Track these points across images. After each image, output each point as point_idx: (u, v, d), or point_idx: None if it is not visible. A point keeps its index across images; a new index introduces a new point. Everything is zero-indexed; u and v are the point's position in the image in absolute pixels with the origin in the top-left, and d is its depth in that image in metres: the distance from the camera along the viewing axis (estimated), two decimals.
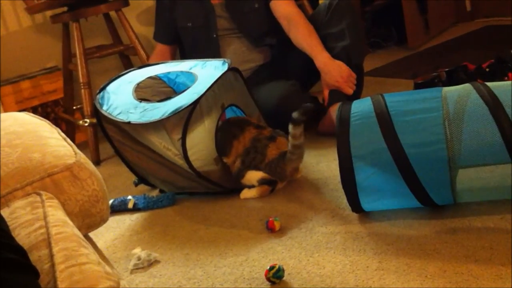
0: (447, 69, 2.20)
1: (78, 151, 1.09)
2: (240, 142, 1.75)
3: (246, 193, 1.77)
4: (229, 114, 1.89)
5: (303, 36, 2.14)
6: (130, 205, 1.85)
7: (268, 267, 1.31)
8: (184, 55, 2.40)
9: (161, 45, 2.41)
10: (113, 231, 1.74)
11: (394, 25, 3.36)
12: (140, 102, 1.79)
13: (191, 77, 1.87)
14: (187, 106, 1.67)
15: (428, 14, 3.29)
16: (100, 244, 1.66)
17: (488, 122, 1.29)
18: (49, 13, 2.63)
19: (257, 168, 1.73)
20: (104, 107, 1.82)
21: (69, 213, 0.98)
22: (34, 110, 2.63)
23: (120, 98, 1.84)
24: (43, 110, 2.66)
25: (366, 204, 1.45)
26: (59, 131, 1.20)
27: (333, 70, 2.07)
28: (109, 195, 1.86)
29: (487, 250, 1.24)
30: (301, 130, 1.64)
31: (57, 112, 2.70)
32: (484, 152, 1.30)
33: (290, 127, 1.64)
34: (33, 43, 2.72)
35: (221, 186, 1.79)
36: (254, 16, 2.25)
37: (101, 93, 1.90)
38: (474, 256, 1.23)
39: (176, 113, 1.66)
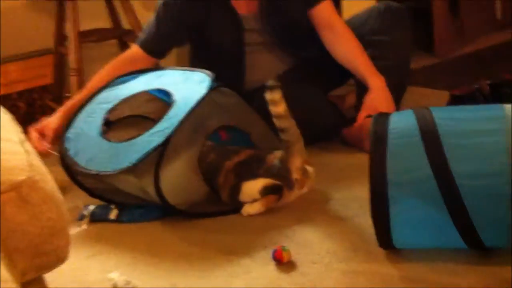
0: (489, 82, 1.95)
1: (36, 162, 0.82)
2: (232, 161, 1.57)
3: (248, 209, 1.54)
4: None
5: (354, 53, 1.95)
6: (113, 216, 1.59)
7: None
8: (196, 64, 2.05)
9: (143, 54, 2.00)
10: (90, 245, 1.49)
11: (421, 28, 3.14)
12: (109, 141, 1.64)
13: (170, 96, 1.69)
14: (156, 147, 1.52)
15: (461, 19, 3.05)
16: (71, 261, 1.41)
17: None
18: None
19: (254, 176, 1.52)
20: (71, 152, 1.66)
21: (12, 250, 0.71)
22: (20, 95, 2.45)
23: (88, 138, 1.68)
24: (29, 96, 2.48)
25: (399, 240, 1.22)
26: (20, 131, 0.95)
27: (383, 100, 1.89)
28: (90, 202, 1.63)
29: None
30: (279, 95, 1.48)
31: (45, 99, 2.50)
32: None
33: (267, 93, 1.48)
34: (25, 22, 2.50)
35: (211, 214, 1.59)
36: (292, 28, 2.01)
37: (67, 133, 1.72)
38: None
39: (145, 157, 1.52)
